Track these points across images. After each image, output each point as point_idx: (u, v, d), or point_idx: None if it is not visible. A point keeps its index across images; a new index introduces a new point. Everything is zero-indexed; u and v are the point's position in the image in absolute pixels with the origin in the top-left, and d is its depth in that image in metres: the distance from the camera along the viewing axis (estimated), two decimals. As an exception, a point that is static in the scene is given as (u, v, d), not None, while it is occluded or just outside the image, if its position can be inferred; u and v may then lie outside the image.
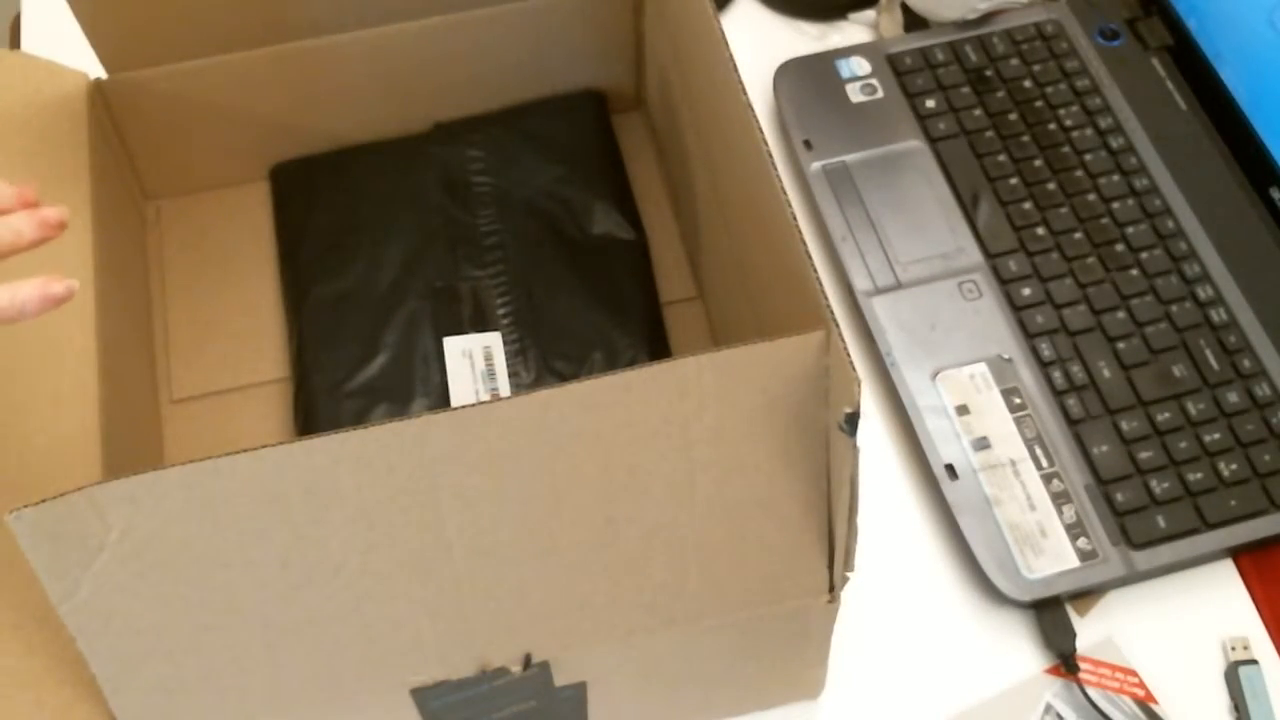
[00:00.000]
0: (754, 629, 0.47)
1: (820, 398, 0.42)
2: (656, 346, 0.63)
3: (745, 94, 0.46)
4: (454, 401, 0.60)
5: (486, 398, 0.60)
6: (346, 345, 0.62)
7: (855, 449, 0.40)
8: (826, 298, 0.41)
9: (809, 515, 0.44)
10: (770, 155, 0.44)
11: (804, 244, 0.42)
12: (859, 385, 0.38)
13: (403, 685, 0.44)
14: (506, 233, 0.65)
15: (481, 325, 0.62)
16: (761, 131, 0.45)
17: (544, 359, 0.61)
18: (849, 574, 0.45)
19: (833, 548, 0.44)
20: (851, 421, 0.39)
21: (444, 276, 0.63)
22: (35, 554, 0.38)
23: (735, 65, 0.47)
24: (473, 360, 0.61)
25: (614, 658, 0.46)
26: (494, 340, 0.62)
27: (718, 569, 0.44)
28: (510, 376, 0.61)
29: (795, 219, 0.43)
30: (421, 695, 0.44)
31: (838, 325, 0.40)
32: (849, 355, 0.39)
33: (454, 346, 0.61)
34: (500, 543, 0.42)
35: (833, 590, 0.45)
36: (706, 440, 0.42)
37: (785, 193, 0.43)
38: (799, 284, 0.43)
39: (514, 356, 0.61)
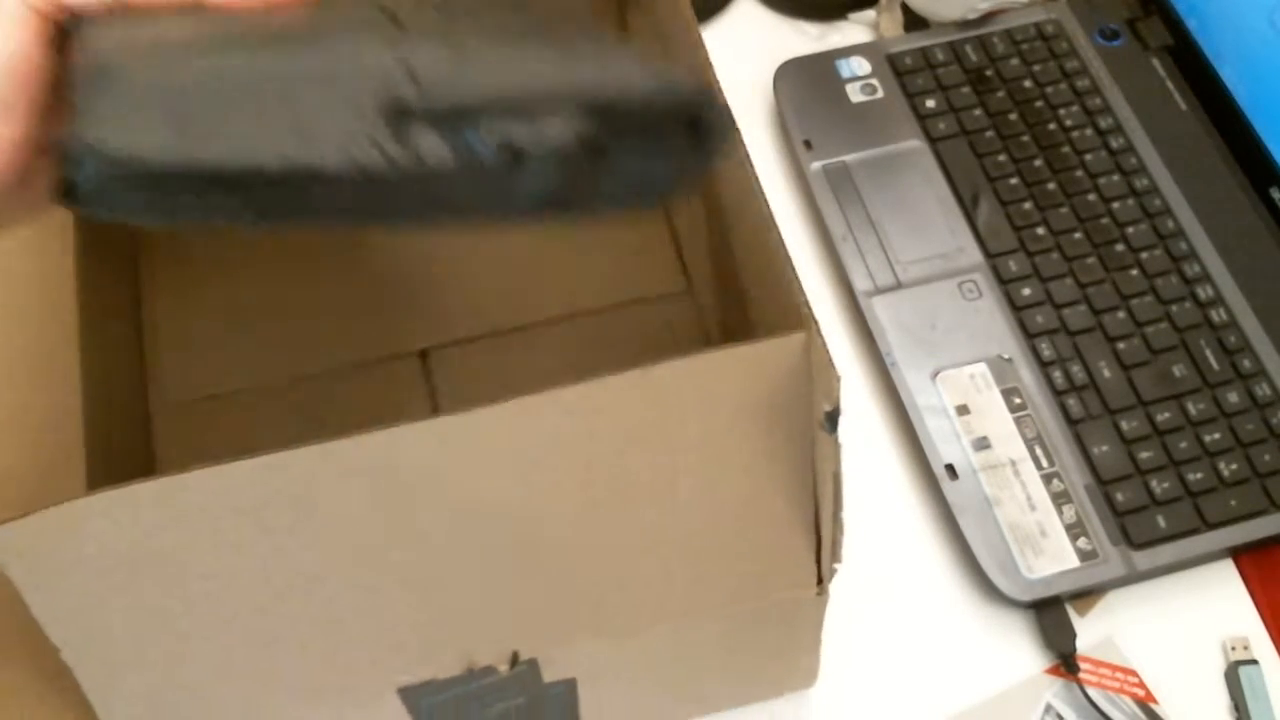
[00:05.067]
0: (743, 623, 0.47)
1: (803, 397, 0.42)
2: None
3: (720, 92, 0.46)
4: None
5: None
6: None
7: (837, 445, 0.40)
8: (805, 295, 0.41)
9: (795, 512, 0.44)
10: (747, 153, 0.44)
11: (782, 243, 0.42)
12: (839, 382, 0.39)
13: (390, 685, 0.44)
14: None
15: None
16: (736, 127, 0.45)
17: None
18: (837, 565, 0.45)
19: (820, 542, 0.44)
20: (832, 419, 0.39)
21: None
22: (15, 568, 0.38)
23: (711, 65, 0.47)
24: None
25: (603, 655, 0.46)
26: None
27: (704, 567, 0.44)
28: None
29: (773, 218, 0.43)
30: (409, 695, 0.45)
31: (817, 324, 0.40)
32: (829, 354, 0.39)
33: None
34: (483, 546, 0.42)
35: (821, 582, 0.46)
36: (689, 443, 0.42)
37: (763, 191, 0.43)
38: (779, 284, 0.43)
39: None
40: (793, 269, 0.42)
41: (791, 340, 0.41)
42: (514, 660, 0.44)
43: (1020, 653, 0.57)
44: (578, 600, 0.44)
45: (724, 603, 0.45)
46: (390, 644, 0.43)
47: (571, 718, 0.51)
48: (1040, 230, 0.66)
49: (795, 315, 0.41)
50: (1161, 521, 0.58)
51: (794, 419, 0.42)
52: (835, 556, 0.45)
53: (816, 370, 0.40)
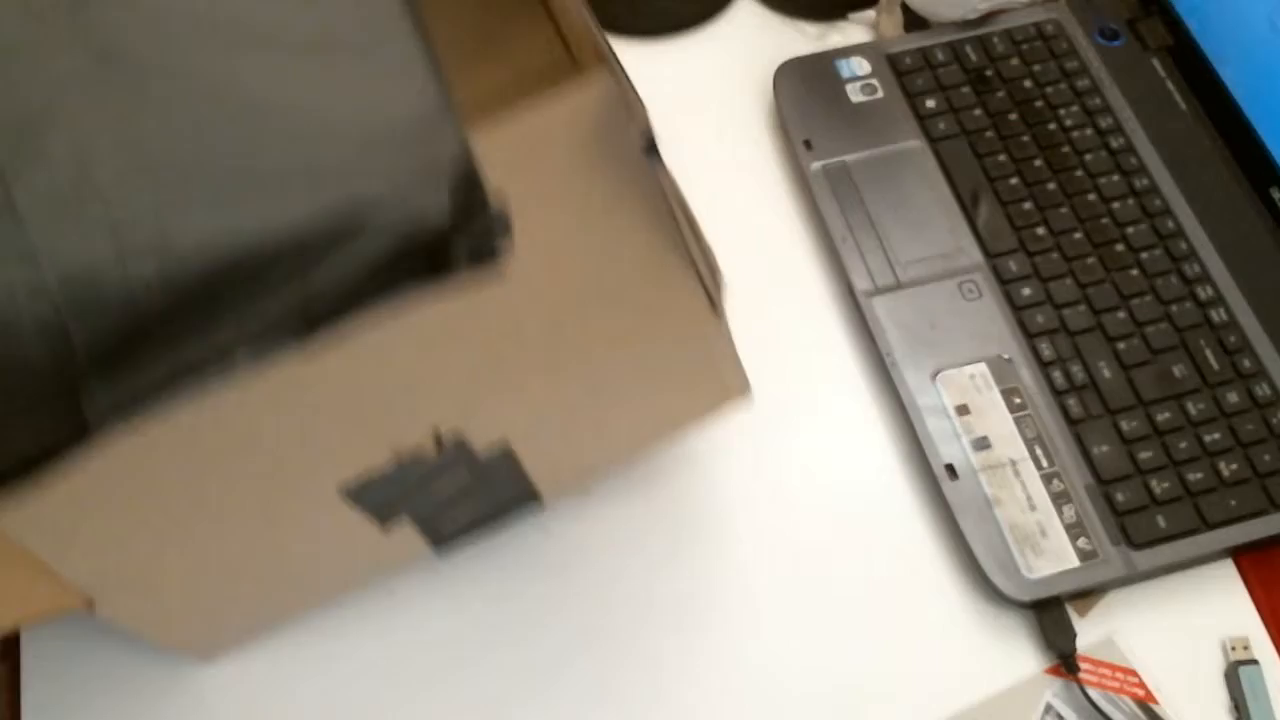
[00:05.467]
0: (651, 355, 0.47)
1: (624, 132, 0.41)
2: None
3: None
4: None
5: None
6: None
7: (667, 171, 0.41)
8: (600, 33, 0.41)
9: (668, 248, 0.44)
10: None
11: None
12: (644, 109, 0.39)
13: (331, 490, 0.44)
14: None
15: None
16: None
17: None
18: (722, 284, 0.46)
19: (699, 270, 0.45)
20: (650, 148, 0.40)
21: None
22: None
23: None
24: None
25: (521, 415, 0.47)
26: None
27: (594, 310, 0.45)
28: None
29: None
30: (353, 496, 0.45)
31: (616, 59, 0.40)
32: (632, 86, 0.39)
33: None
34: (378, 334, 0.42)
35: (714, 306, 0.46)
36: (536, 198, 0.42)
37: None
38: (575, 24, 0.43)
39: None
40: (585, 8, 0.42)
41: (593, 81, 0.40)
42: (438, 437, 0.44)
43: (1020, 653, 0.57)
44: (479, 366, 0.44)
45: (623, 341, 0.45)
46: (315, 449, 0.43)
47: (521, 481, 0.51)
48: (1040, 230, 0.66)
49: (593, 52, 0.41)
50: (1161, 521, 0.58)
51: (624, 156, 0.41)
52: (716, 278, 0.45)
53: (632, 104, 0.40)
